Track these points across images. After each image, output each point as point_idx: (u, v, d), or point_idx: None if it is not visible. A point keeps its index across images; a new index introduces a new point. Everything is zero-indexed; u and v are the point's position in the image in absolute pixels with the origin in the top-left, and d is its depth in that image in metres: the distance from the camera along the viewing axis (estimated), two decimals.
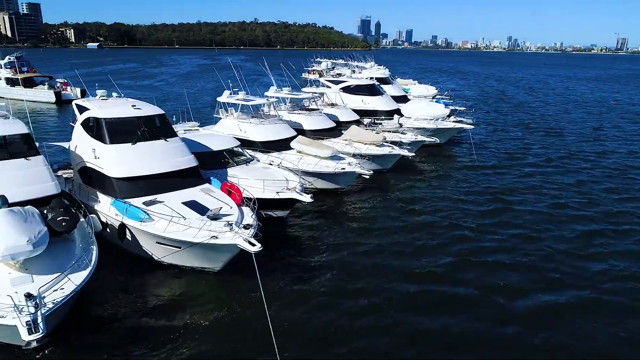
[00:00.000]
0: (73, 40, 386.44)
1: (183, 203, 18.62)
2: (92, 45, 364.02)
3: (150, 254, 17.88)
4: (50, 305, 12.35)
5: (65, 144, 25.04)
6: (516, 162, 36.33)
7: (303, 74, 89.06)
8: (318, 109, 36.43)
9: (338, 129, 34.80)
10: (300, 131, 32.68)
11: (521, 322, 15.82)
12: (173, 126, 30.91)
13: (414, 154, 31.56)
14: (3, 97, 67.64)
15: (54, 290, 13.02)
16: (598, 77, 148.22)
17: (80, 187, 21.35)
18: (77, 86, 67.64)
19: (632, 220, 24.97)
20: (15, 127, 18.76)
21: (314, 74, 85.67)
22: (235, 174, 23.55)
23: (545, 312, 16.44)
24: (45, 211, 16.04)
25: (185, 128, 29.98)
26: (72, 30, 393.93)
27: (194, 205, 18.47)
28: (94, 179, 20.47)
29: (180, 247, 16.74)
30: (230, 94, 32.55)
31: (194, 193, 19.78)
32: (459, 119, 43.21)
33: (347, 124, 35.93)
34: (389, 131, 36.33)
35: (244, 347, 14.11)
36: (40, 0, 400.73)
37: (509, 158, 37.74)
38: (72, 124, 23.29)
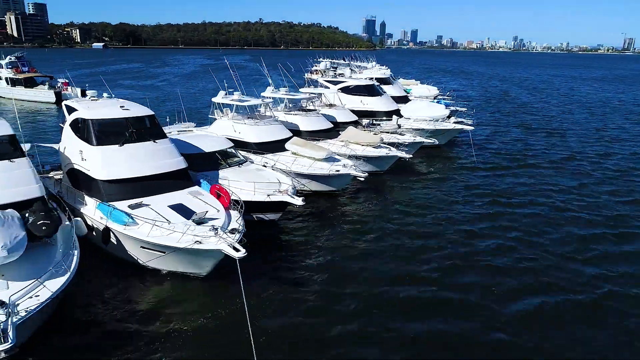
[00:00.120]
0: (79, 40, 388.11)
1: (169, 206, 18.24)
2: (98, 45, 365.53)
3: (135, 258, 17.50)
4: (23, 314, 11.96)
5: (56, 145, 24.72)
6: (516, 164, 35.72)
7: (306, 74, 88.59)
8: (315, 110, 35.99)
9: (336, 130, 34.33)
10: (297, 132, 32.25)
11: (515, 326, 15.46)
12: (167, 127, 30.85)
13: (411, 156, 31.02)
14: (3, 97, 67.86)
15: (29, 298, 12.63)
16: (603, 78, 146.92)
17: (67, 189, 21.02)
18: (80, 86, 67.46)
19: (632, 224, 24.36)
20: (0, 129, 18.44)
21: (316, 74, 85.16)
22: (227, 175, 23.16)
23: (540, 317, 16.05)
24: (27, 215, 15.70)
25: (179, 129, 29.60)
26: (77, 30, 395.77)
27: (180, 209, 18.08)
28: (81, 181, 20.13)
29: (164, 252, 16.34)
30: (226, 94, 32.14)
31: (181, 196, 19.39)
32: (459, 119, 42.62)
33: (345, 125, 35.45)
34: (387, 132, 35.84)
35: (224, 353, 13.76)
36: (46, 0, 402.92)
37: (510, 160, 37.12)
38: (62, 125, 23.00)
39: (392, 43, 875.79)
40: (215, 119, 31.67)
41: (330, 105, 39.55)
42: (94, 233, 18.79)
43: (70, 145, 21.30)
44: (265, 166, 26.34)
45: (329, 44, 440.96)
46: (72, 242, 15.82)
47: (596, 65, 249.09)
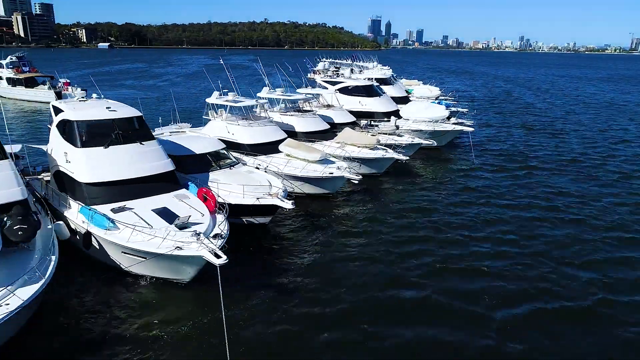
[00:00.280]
0: (84, 40, 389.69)
1: (153, 210, 17.79)
2: (103, 45, 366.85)
3: (117, 263, 17.07)
4: None
5: (44, 147, 24.33)
6: (517, 166, 35.00)
7: (308, 74, 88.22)
8: (312, 111, 35.46)
9: (332, 131, 33.80)
10: (292, 133, 31.79)
11: (504, 332, 15.06)
12: (159, 128, 30.51)
13: (408, 158, 30.43)
14: (4, 97, 67.84)
15: None
16: (609, 78, 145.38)
17: (53, 192, 20.65)
18: (80, 86, 67.25)
19: (632, 228, 23.68)
20: None
21: (319, 74, 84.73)
22: (217, 178, 22.69)
23: (530, 323, 15.63)
24: (4, 219, 15.28)
25: (172, 130, 29.21)
26: (83, 30, 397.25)
27: (164, 213, 17.62)
28: (66, 184, 19.73)
29: (145, 258, 15.90)
30: (220, 94, 31.68)
31: (167, 199, 18.94)
32: (460, 121, 42.00)
33: (343, 126, 34.90)
34: (385, 133, 35.24)
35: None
36: (53, 0, 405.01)
37: (510, 162, 36.42)
38: (49, 126, 22.63)
39: (398, 43, 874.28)
40: (209, 120, 31.22)
41: (328, 106, 39.03)
42: (77, 237, 18.37)
43: (57, 147, 20.92)
44: (258, 168, 25.88)
45: (334, 44, 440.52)
46: (51, 248, 15.41)
47: (602, 66, 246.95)
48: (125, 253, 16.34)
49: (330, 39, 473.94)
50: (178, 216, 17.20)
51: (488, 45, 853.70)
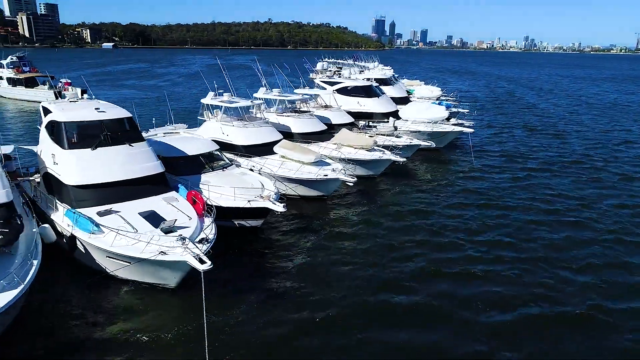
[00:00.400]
0: (89, 40, 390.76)
1: (140, 214, 17.44)
2: (107, 45, 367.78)
3: (103, 267, 16.73)
4: None
5: (35, 148, 24.05)
6: (517, 168, 34.47)
7: (311, 74, 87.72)
8: (309, 111, 35.04)
9: (330, 132, 33.39)
10: (289, 134, 31.40)
11: (497, 337, 14.79)
12: (153, 129, 30.21)
13: (405, 159, 29.93)
14: (4, 97, 67.83)
15: None
16: (614, 78, 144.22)
17: (42, 194, 20.36)
18: (86, 86, 67.13)
19: (632, 232, 23.17)
20: None
21: (318, 74, 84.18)
22: (209, 180, 22.34)
23: (522, 328, 15.36)
24: None
25: (166, 131, 28.90)
26: (88, 30, 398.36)
27: (150, 217, 17.27)
28: (54, 186, 19.43)
29: (130, 262, 15.55)
30: (215, 95, 31.31)
31: (155, 202, 18.58)
32: (460, 121, 41.52)
33: (341, 127, 34.47)
34: (383, 135, 34.79)
35: None
36: (58, 0, 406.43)
37: (510, 163, 35.89)
38: (39, 127, 22.34)
39: (402, 43, 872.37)
40: (204, 121, 30.87)
41: (326, 107, 38.61)
42: (64, 240, 18.07)
43: (45, 149, 20.64)
44: (252, 170, 25.51)
45: (337, 44, 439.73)
46: (33, 252, 15.08)
47: (607, 66, 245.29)
48: (110, 257, 16.01)
49: (334, 39, 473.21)
50: (165, 220, 16.86)
51: (492, 45, 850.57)
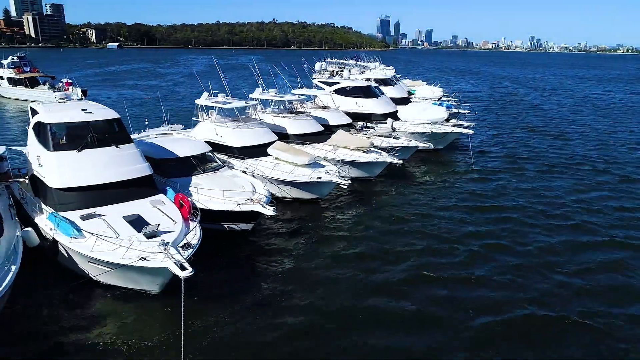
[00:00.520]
0: (94, 40, 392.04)
1: (124, 217, 17.05)
2: (112, 45, 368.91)
3: (86, 272, 16.35)
4: None
5: (24, 149, 23.74)
6: (517, 171, 33.82)
7: (313, 74, 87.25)
8: (305, 112, 34.58)
9: (327, 133, 32.90)
10: (284, 135, 30.97)
11: (483, 342, 14.45)
12: (146, 130, 29.87)
13: (402, 161, 29.37)
14: (5, 97, 67.84)
15: None
16: (620, 78, 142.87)
17: (29, 196, 20.03)
18: (87, 86, 67.07)
19: (631, 235, 22.59)
20: None
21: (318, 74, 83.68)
22: (199, 182, 21.94)
23: (510, 332, 15.03)
24: None
25: (159, 132, 28.51)
26: (93, 30, 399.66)
27: (135, 221, 16.88)
28: (39, 189, 19.12)
29: (111, 268, 15.16)
30: (209, 95, 30.89)
31: (140, 206, 18.20)
32: (460, 122, 40.94)
33: (338, 128, 33.96)
34: (381, 136, 34.27)
35: None
36: (64, 1, 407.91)
37: (509, 165, 35.25)
38: (27, 128, 22.03)
39: (407, 43, 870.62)
40: (199, 122, 30.48)
41: (324, 107, 38.16)
42: (48, 244, 17.70)
43: (32, 150, 20.36)
44: (245, 172, 25.10)
45: (342, 44, 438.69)
46: (11, 256, 14.72)
47: (613, 66, 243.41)
48: (91, 262, 15.63)
49: (339, 39, 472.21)
50: (149, 224, 16.47)
51: (498, 45, 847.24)
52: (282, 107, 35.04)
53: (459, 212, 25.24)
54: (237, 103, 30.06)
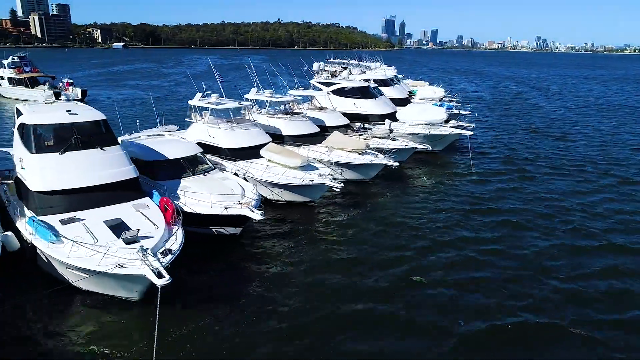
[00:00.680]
0: (100, 40, 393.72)
1: (105, 222, 16.58)
2: (118, 45, 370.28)
3: (65, 277, 15.91)
4: None
5: (11, 150, 23.38)
6: (517, 173, 33.08)
7: (315, 75, 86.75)
8: (301, 113, 34.06)
9: (323, 134, 32.36)
10: (279, 137, 30.47)
11: (471, 348, 13.97)
12: (137, 132, 29.44)
13: (398, 164, 28.76)
14: (5, 97, 67.80)
15: None
16: (626, 78, 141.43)
17: (13, 199, 19.68)
18: (87, 86, 67.00)
19: (630, 240, 21.93)
20: None
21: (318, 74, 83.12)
22: (187, 185, 21.46)
23: (499, 339, 14.58)
24: None
25: (150, 133, 28.08)
26: (98, 30, 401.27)
27: (116, 226, 16.42)
28: (22, 192, 18.73)
29: (88, 274, 14.71)
30: (202, 96, 30.42)
31: (123, 210, 17.72)
32: (460, 123, 40.29)
33: (335, 129, 33.40)
34: (378, 137, 33.71)
35: None
36: (70, 1, 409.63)
37: (510, 167, 34.57)
38: (13, 129, 21.69)
39: (412, 43, 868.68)
40: (192, 123, 30.03)
41: (321, 108, 37.62)
42: (28, 248, 17.29)
43: (16, 152, 20.08)
44: (236, 174, 24.63)
45: (347, 44, 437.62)
46: None
47: (619, 66, 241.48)
48: (69, 268, 15.19)
49: (344, 39, 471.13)
50: (130, 229, 16.02)
51: (503, 45, 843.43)
52: (278, 108, 34.56)
53: (455, 215, 24.65)
54: (231, 104, 29.56)
